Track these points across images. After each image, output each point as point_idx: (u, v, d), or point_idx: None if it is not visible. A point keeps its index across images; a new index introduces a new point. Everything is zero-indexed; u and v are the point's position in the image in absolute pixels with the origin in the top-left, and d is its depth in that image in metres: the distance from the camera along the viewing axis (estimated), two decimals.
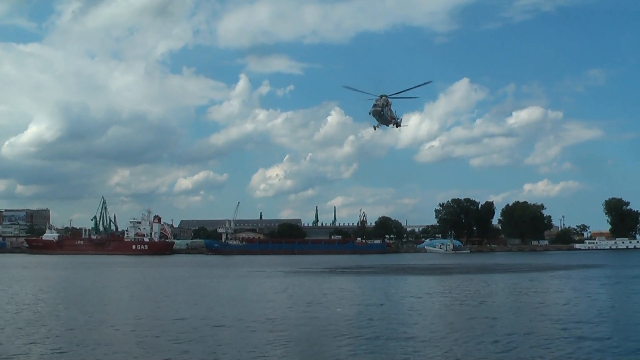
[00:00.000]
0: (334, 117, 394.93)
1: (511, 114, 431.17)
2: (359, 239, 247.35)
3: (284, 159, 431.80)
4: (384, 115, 60.73)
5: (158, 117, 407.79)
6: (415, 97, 65.82)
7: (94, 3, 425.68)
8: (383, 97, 60.19)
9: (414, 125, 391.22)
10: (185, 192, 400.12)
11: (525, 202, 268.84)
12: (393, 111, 63.62)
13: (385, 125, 63.34)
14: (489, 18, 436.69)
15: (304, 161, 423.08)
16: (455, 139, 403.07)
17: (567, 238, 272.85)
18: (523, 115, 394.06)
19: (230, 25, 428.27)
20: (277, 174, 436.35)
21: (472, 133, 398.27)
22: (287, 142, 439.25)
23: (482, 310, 43.38)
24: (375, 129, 62.66)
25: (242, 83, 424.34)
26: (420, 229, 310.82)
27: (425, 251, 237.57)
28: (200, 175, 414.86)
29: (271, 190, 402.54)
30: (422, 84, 63.35)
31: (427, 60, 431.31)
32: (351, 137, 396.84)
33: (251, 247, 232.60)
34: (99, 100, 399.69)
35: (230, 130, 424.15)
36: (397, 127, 66.48)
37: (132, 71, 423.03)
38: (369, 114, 59.21)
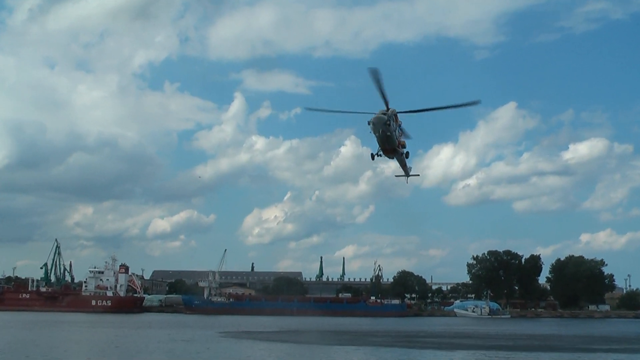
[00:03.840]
0: (348, 148, 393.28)
1: (567, 147, 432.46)
2: (372, 298, 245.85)
3: (285, 198, 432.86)
4: (391, 133, 51.53)
5: (132, 143, 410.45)
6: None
7: (58, 0, 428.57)
8: (391, 110, 51.23)
9: (446, 159, 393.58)
10: (162, 236, 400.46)
11: (581, 257, 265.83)
12: (404, 137, 55.63)
13: (389, 156, 54.91)
14: (544, 28, 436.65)
15: (310, 201, 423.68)
16: (495, 177, 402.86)
17: (634, 302, 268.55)
18: (582, 149, 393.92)
19: (224, 32, 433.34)
20: (275, 216, 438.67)
21: (518, 170, 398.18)
22: (289, 177, 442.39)
23: None
24: (373, 157, 53.89)
25: (237, 103, 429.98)
26: (449, 287, 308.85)
27: (455, 315, 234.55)
28: (181, 216, 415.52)
29: (267, 235, 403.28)
30: (464, 104, 55.26)
31: (466, 80, 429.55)
32: (368, 173, 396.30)
33: (239, 306, 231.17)
34: (59, 120, 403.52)
35: (220, 161, 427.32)
36: (404, 171, 60.45)
37: (102, 85, 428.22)
38: (368, 123, 50.29)
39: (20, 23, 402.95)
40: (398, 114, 52.10)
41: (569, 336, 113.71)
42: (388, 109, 50.62)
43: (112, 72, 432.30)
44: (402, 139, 54.78)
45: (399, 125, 53.47)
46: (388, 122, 49.89)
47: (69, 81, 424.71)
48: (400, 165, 59.19)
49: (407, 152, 57.11)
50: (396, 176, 63.35)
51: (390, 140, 51.88)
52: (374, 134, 50.70)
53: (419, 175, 67.15)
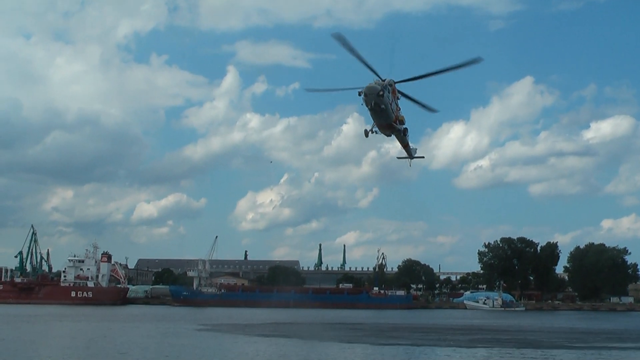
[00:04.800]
0: (351, 127, 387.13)
1: (589, 126, 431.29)
2: (375, 288, 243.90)
3: (282, 181, 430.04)
4: (385, 106, 48.30)
5: (115, 120, 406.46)
6: (433, 111, 53.98)
7: None
8: (388, 80, 47.98)
9: (456, 138, 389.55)
10: (148, 221, 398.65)
11: (603, 245, 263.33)
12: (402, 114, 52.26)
13: (385, 133, 51.92)
14: None
15: (308, 184, 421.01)
16: (510, 158, 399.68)
17: None
18: (605, 128, 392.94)
19: (216, 0, 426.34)
20: (271, 200, 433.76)
21: (534, 150, 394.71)
22: (286, 157, 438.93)
23: None
24: (367, 134, 51.23)
25: (230, 78, 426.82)
26: (459, 277, 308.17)
27: (465, 307, 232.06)
28: (169, 200, 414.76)
29: (262, 221, 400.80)
30: (463, 65, 51.37)
31: (479, 52, 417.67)
32: (372, 153, 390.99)
33: (231, 297, 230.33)
34: (35, 96, 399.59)
35: (211, 140, 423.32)
36: (404, 147, 57.05)
37: (83, 58, 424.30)
38: (359, 94, 47.07)
39: None
40: (397, 85, 48.86)
41: (591, 331, 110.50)
42: (384, 80, 47.29)
43: (94, 43, 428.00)
44: (400, 114, 51.22)
45: (398, 98, 50.09)
46: (381, 93, 46.44)
47: (46, 53, 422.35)
48: (401, 145, 56.44)
49: (406, 129, 53.36)
50: (398, 158, 60.38)
51: (385, 115, 48.62)
52: (367, 106, 47.69)
53: (423, 157, 62.88)
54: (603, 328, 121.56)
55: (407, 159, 58.95)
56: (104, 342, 79.52)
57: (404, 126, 52.64)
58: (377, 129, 50.47)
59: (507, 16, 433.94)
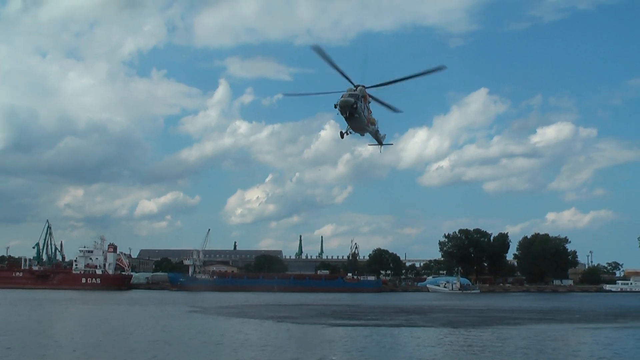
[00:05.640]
0: (328, 132, 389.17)
1: (535, 131, 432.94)
2: (349, 274, 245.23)
3: (267, 180, 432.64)
4: (359, 114, 49.58)
5: (120, 127, 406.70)
6: (397, 111, 55.44)
7: None
8: (360, 87, 49.49)
9: (420, 142, 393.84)
10: (149, 216, 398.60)
11: (547, 235, 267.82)
12: (373, 117, 54.13)
13: (359, 133, 53.35)
14: (514, 17, 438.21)
15: (290, 182, 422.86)
16: (467, 159, 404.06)
17: (595, 277, 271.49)
18: (550, 133, 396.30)
19: (210, 21, 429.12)
20: (257, 197, 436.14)
21: (489, 152, 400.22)
22: (271, 159, 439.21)
23: None
24: (342, 135, 51.82)
25: (222, 90, 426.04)
26: (422, 264, 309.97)
27: (428, 290, 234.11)
28: (168, 197, 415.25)
29: (249, 215, 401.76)
30: (430, 71, 51.11)
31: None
32: (346, 156, 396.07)
33: (222, 283, 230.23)
34: (50, 105, 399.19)
35: (205, 144, 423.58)
36: (378, 142, 59.01)
37: (92, 73, 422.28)
38: (335, 106, 48.16)
39: (14, 13, 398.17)
40: (367, 90, 50.68)
41: (536, 309, 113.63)
42: (356, 86, 49.56)
43: (102, 59, 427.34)
44: (371, 117, 53.37)
45: (369, 103, 51.92)
46: (355, 105, 48.22)
47: (60, 68, 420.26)
48: (374, 139, 58.22)
49: (383, 136, 56.71)
50: (369, 145, 61.48)
51: (358, 122, 50.49)
52: (342, 115, 49.06)
53: (392, 144, 64.87)
54: (549, 306, 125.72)
55: (377, 146, 60.25)
56: (113, 322, 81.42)
57: (376, 127, 54.92)
58: (351, 130, 51.63)
59: (466, 35, 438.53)
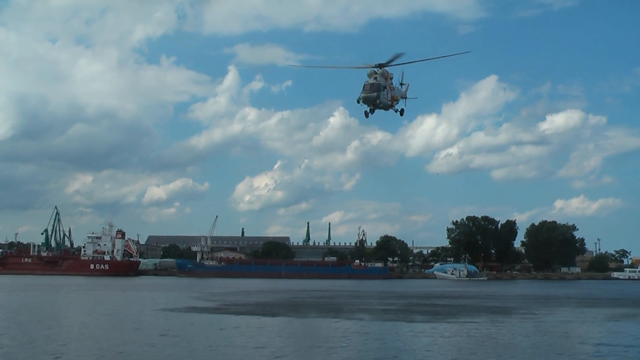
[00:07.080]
0: (337, 119, 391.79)
1: (544, 119, 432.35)
2: (357, 261, 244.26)
3: (275, 167, 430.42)
4: (382, 103, 50.00)
5: (130, 114, 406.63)
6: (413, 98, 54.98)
7: None
8: (382, 71, 48.97)
9: (429, 129, 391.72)
10: (158, 203, 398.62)
11: (554, 222, 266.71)
12: (397, 87, 52.96)
13: (383, 109, 51.94)
14: (524, 4, 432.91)
15: (299, 169, 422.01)
16: (476, 147, 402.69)
17: (603, 265, 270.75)
18: (558, 120, 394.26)
19: (219, 8, 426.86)
20: (265, 184, 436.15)
21: (497, 140, 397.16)
22: (280, 146, 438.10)
23: None
24: (367, 115, 51.16)
25: (231, 77, 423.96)
26: (430, 251, 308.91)
27: (435, 277, 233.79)
28: (177, 184, 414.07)
29: (258, 202, 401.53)
30: (456, 54, 50.96)
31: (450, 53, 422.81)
32: (355, 143, 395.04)
33: (230, 269, 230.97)
34: (60, 92, 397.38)
35: (214, 131, 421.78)
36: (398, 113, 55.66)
37: (102, 60, 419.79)
38: (358, 101, 48.62)
39: (25, 0, 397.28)
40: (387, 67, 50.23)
41: (543, 296, 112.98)
42: (381, 66, 48.79)
43: (112, 46, 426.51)
44: (395, 94, 52.45)
45: (391, 78, 51.32)
46: (378, 97, 48.31)
47: (70, 55, 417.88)
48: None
49: (402, 110, 55.27)
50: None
51: (383, 107, 50.64)
52: (365, 104, 49.43)
53: (416, 97, 58.81)
54: (555, 293, 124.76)
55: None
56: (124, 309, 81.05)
57: (398, 103, 53.74)
58: (372, 111, 51.03)
59: (475, 22, 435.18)
